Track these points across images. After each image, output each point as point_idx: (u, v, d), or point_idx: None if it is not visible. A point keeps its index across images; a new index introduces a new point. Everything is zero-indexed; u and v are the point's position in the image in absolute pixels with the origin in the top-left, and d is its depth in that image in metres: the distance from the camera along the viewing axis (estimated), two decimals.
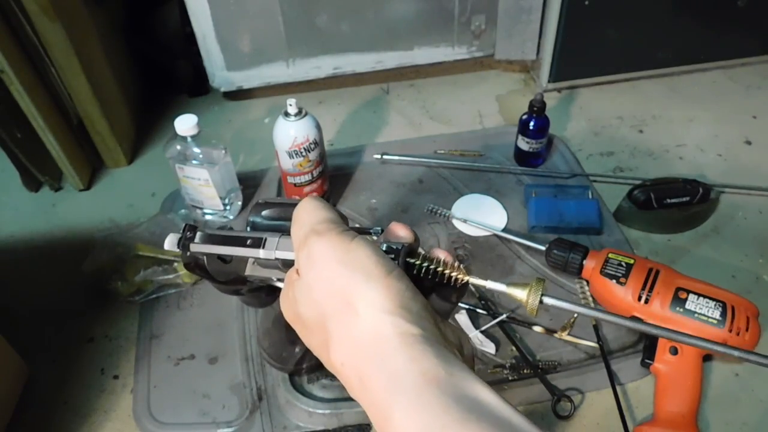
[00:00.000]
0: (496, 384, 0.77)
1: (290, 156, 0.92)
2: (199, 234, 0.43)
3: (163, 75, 1.28)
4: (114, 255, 0.91)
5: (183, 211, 1.01)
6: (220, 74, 1.21)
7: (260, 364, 0.80)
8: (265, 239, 0.40)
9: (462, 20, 1.21)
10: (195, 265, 0.44)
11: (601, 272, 0.81)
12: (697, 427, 0.72)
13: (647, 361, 0.76)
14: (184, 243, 0.43)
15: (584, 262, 0.85)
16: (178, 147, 0.91)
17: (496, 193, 1.03)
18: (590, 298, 0.85)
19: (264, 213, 0.44)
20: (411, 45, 1.23)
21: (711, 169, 1.08)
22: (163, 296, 0.89)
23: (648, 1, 1.16)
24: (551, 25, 1.16)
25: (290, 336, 0.77)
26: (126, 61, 1.21)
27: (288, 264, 0.39)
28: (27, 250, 1.00)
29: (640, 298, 0.78)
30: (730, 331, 0.74)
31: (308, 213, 0.36)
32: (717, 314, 0.74)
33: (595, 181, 1.06)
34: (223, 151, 0.94)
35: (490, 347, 0.80)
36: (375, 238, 0.39)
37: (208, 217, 1.00)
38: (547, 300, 0.35)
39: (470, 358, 0.35)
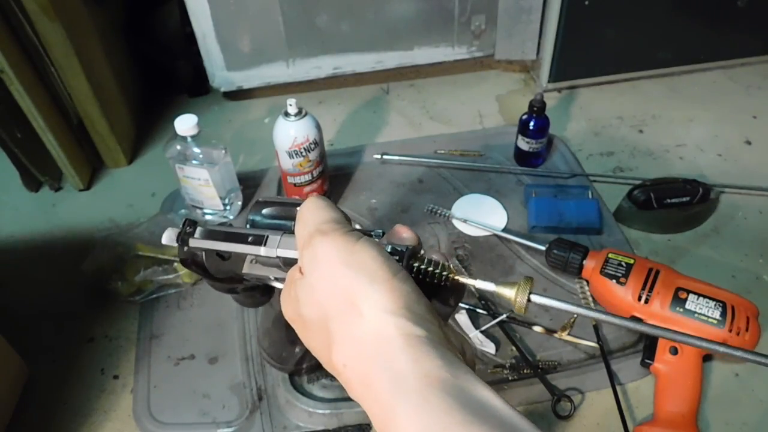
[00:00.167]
0: (496, 384, 0.77)
1: (290, 156, 0.92)
2: (199, 229, 0.43)
3: (163, 75, 1.28)
4: (114, 255, 0.91)
5: (183, 211, 1.01)
6: (220, 74, 1.21)
7: (260, 364, 0.80)
8: (267, 237, 0.40)
9: (462, 20, 1.21)
10: (192, 261, 0.43)
11: (601, 272, 0.81)
12: (697, 427, 0.72)
13: (647, 361, 0.76)
14: (183, 238, 0.43)
15: (584, 262, 0.85)
16: (178, 147, 0.91)
17: (496, 193, 1.03)
18: (590, 298, 0.85)
19: (264, 211, 0.43)
20: (411, 45, 1.23)
21: (711, 169, 1.08)
22: (163, 296, 0.89)
23: (648, 1, 1.16)
24: (551, 25, 1.16)
25: (290, 336, 0.77)
26: (126, 61, 1.21)
27: (289, 263, 0.39)
28: (27, 250, 1.00)
29: (640, 298, 0.78)
30: (730, 331, 0.74)
31: (313, 212, 0.36)
32: (717, 314, 0.74)
33: (595, 181, 1.06)
34: (223, 151, 0.94)
35: (490, 347, 0.80)
36: (377, 240, 0.39)
37: (208, 217, 1.00)
38: (534, 298, 0.35)
39: (472, 362, 0.35)
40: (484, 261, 0.93)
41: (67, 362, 0.83)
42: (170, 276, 0.88)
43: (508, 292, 0.35)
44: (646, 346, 0.77)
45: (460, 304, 0.83)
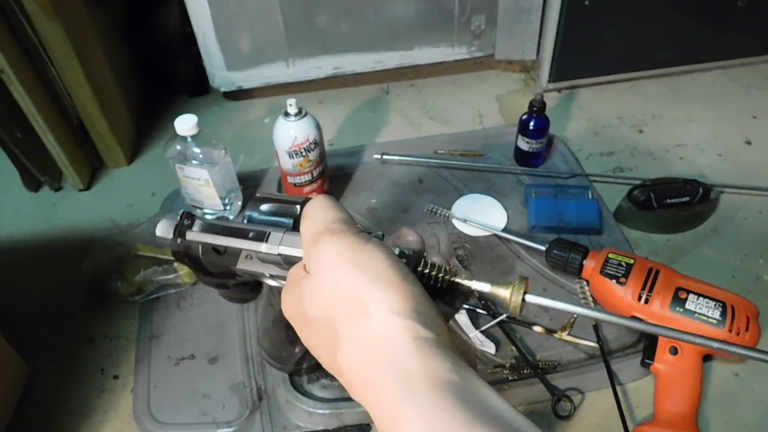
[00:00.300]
0: (496, 384, 0.77)
1: (290, 156, 0.92)
2: (198, 222, 0.42)
3: (163, 75, 1.28)
4: (114, 255, 0.91)
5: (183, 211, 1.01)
6: (220, 74, 1.21)
7: (260, 364, 0.80)
8: (269, 233, 0.40)
9: (462, 20, 1.21)
10: (185, 254, 0.43)
11: (601, 272, 0.81)
12: (697, 427, 0.72)
13: (647, 361, 0.76)
14: (180, 230, 0.42)
15: (584, 262, 0.85)
16: (178, 147, 0.91)
17: (496, 193, 1.03)
18: (590, 298, 0.85)
19: (262, 207, 0.43)
20: (411, 45, 1.23)
21: (711, 169, 1.08)
22: (163, 296, 0.89)
23: (648, 1, 1.16)
24: (551, 25, 1.16)
25: (290, 336, 0.77)
26: (126, 61, 1.21)
27: (290, 261, 0.39)
28: (27, 250, 1.00)
29: (640, 298, 0.78)
30: (730, 331, 0.74)
31: (322, 211, 0.36)
32: (717, 314, 0.74)
33: (595, 181, 1.06)
34: (223, 151, 0.94)
35: (490, 347, 0.80)
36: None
37: (207, 217, 1.00)
38: (529, 298, 0.35)
39: (473, 365, 0.36)
40: (484, 261, 0.93)
41: (67, 362, 0.83)
42: (170, 276, 0.88)
43: (503, 293, 0.35)
44: (646, 346, 0.77)
45: None
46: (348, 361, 0.32)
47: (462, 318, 0.83)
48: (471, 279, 0.37)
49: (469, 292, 0.37)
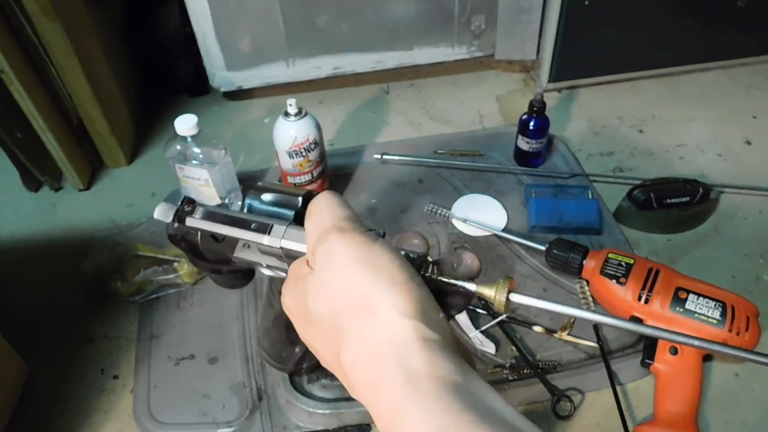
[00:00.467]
0: (496, 384, 0.77)
1: (290, 156, 0.92)
2: (200, 209, 0.42)
3: (163, 75, 1.28)
4: (114, 255, 0.91)
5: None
6: (220, 74, 1.21)
7: (260, 364, 0.80)
8: (272, 226, 0.39)
9: (462, 20, 1.21)
10: (181, 238, 0.43)
11: (601, 272, 0.81)
12: (697, 427, 0.72)
13: (647, 361, 0.76)
14: (180, 215, 0.42)
15: (584, 262, 0.85)
16: (178, 147, 0.91)
17: (496, 193, 1.03)
18: (590, 298, 0.85)
19: (263, 197, 0.42)
20: (411, 45, 1.23)
21: (711, 169, 1.08)
22: (163, 296, 0.89)
23: (648, 1, 1.16)
24: (551, 25, 1.16)
25: (290, 336, 0.77)
26: (126, 61, 1.21)
27: (292, 255, 0.39)
28: (27, 250, 1.00)
29: (640, 298, 0.78)
30: (730, 331, 0.74)
31: (329, 209, 0.36)
32: (717, 314, 0.74)
33: (595, 181, 1.06)
34: (223, 151, 0.94)
35: (490, 347, 0.80)
36: None
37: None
38: (514, 297, 0.35)
39: (473, 368, 0.36)
40: (484, 261, 0.92)
41: (67, 362, 0.83)
42: (170, 276, 0.88)
43: (488, 291, 0.36)
44: (646, 346, 0.77)
45: None
46: (352, 359, 0.32)
47: (462, 318, 0.83)
48: (456, 279, 0.37)
49: (472, 295, 0.38)
